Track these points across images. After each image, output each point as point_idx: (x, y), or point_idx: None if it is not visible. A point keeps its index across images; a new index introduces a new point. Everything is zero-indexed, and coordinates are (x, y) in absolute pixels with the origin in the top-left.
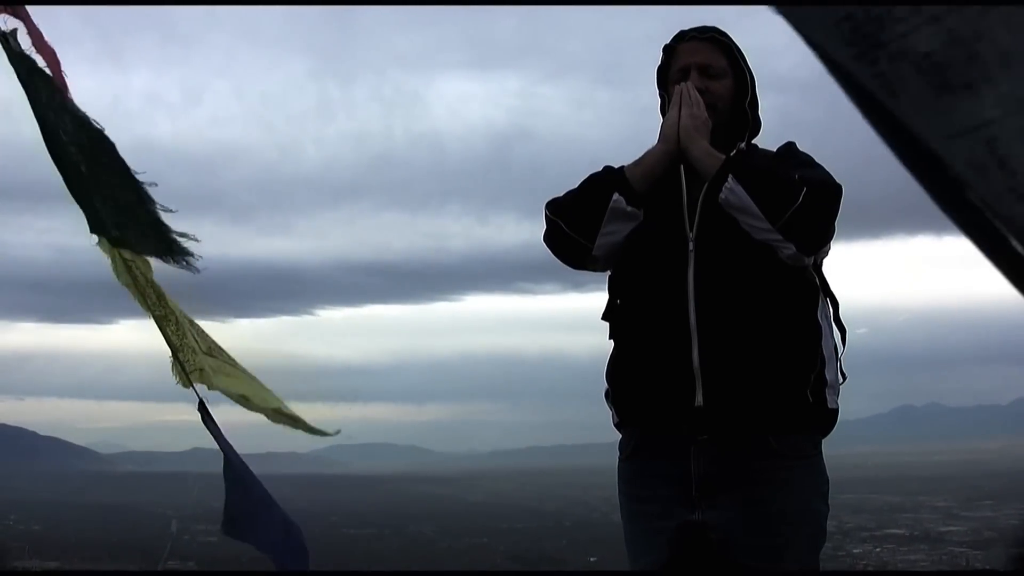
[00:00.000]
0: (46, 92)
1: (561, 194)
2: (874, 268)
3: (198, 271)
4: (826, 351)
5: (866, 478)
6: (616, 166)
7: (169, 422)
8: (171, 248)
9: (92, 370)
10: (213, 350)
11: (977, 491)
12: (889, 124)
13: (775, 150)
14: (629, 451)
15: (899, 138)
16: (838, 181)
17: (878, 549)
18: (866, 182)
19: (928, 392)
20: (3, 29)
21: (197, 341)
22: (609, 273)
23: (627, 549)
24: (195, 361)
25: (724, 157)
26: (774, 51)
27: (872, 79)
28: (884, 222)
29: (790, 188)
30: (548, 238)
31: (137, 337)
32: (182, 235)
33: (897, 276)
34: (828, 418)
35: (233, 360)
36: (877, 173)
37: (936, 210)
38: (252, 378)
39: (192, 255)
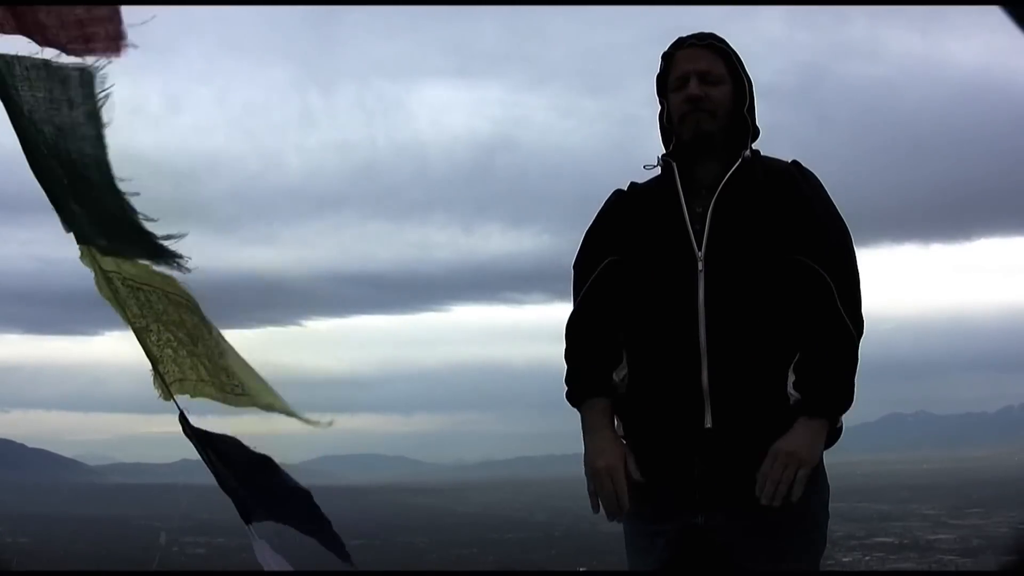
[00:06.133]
0: (30, 101)
1: (571, 331)
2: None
3: (189, 271)
4: None
5: (855, 486)
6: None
7: (157, 434)
8: (160, 252)
9: (78, 382)
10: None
11: (966, 499)
12: None
13: (780, 162)
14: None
15: None
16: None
17: (867, 557)
18: (851, 190)
19: (916, 400)
20: None
21: (201, 350)
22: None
23: (627, 551)
24: (174, 372)
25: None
26: (757, 57)
27: None
28: (870, 231)
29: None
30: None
31: (122, 348)
32: (167, 238)
33: (883, 285)
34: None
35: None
36: (863, 181)
37: (923, 218)
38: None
39: (181, 257)
